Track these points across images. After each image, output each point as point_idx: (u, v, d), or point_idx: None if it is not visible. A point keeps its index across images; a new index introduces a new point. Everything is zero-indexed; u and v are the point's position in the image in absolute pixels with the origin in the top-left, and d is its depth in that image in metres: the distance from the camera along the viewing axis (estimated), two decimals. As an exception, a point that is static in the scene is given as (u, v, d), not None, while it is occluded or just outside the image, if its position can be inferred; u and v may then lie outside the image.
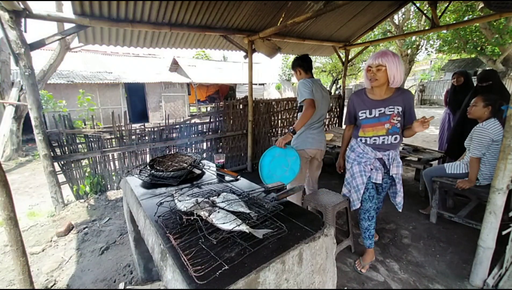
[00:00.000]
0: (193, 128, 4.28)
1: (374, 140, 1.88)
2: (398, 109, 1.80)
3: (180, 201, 1.21)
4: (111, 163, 3.72)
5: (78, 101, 4.97)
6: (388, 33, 10.69)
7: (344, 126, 2.24)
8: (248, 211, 1.11)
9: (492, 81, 2.88)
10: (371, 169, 1.94)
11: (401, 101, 1.79)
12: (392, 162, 1.92)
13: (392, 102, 1.79)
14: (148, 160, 2.47)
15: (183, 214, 1.11)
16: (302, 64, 2.49)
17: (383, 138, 1.85)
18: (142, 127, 3.87)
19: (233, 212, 1.09)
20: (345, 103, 4.45)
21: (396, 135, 1.83)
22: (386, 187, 2.08)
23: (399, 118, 1.79)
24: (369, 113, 1.85)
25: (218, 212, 1.09)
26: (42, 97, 5.94)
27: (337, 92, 16.07)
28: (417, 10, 7.39)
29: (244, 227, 0.98)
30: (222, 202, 1.18)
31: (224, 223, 1.00)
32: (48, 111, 6.26)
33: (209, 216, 1.06)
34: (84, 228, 2.83)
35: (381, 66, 1.67)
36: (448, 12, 7.84)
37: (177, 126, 4.09)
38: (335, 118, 6.07)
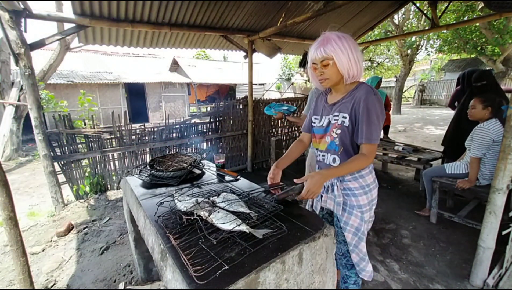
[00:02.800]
0: (193, 128, 4.28)
1: (318, 154, 1.42)
2: (343, 118, 1.23)
3: (180, 201, 1.21)
4: (111, 163, 3.72)
5: (79, 101, 4.98)
6: (388, 33, 10.69)
7: None
8: (248, 211, 1.11)
9: (486, 81, 2.88)
10: None
11: (350, 104, 1.22)
12: (326, 190, 1.38)
13: (340, 107, 1.27)
14: (148, 160, 2.47)
15: (183, 214, 1.11)
16: None
17: (323, 155, 1.37)
18: (142, 127, 3.87)
19: (233, 212, 1.09)
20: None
21: (335, 156, 1.30)
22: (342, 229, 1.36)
23: (339, 131, 1.24)
24: (319, 120, 1.38)
25: (218, 212, 1.09)
26: (44, 97, 5.94)
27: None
28: (417, 10, 7.39)
29: (244, 227, 0.98)
30: (222, 202, 1.18)
31: (224, 223, 1.00)
32: (48, 111, 6.27)
33: (209, 216, 1.06)
34: (84, 228, 2.83)
35: (327, 60, 1.17)
36: (448, 12, 7.84)
37: (177, 126, 4.09)
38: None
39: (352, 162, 1.20)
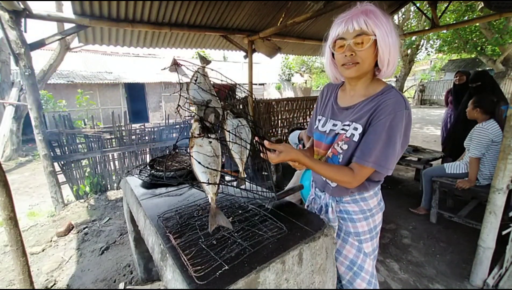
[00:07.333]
0: (193, 128, 4.28)
1: None
2: (354, 129, 0.94)
3: None
4: (111, 163, 3.72)
5: (77, 101, 4.98)
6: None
7: None
8: None
9: (481, 82, 2.91)
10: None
11: (369, 112, 0.91)
12: (319, 211, 1.17)
13: (356, 114, 0.95)
14: (148, 160, 2.47)
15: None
16: None
17: None
18: (142, 127, 3.87)
19: None
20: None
21: None
22: None
23: (345, 146, 0.96)
24: (323, 123, 1.09)
25: None
26: (42, 97, 5.95)
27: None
28: (417, 10, 7.39)
29: None
30: None
31: None
32: (48, 111, 6.28)
33: None
34: (84, 228, 2.83)
35: (366, 35, 0.83)
36: (448, 12, 7.85)
37: (177, 126, 4.09)
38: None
39: (337, 170, 0.93)
